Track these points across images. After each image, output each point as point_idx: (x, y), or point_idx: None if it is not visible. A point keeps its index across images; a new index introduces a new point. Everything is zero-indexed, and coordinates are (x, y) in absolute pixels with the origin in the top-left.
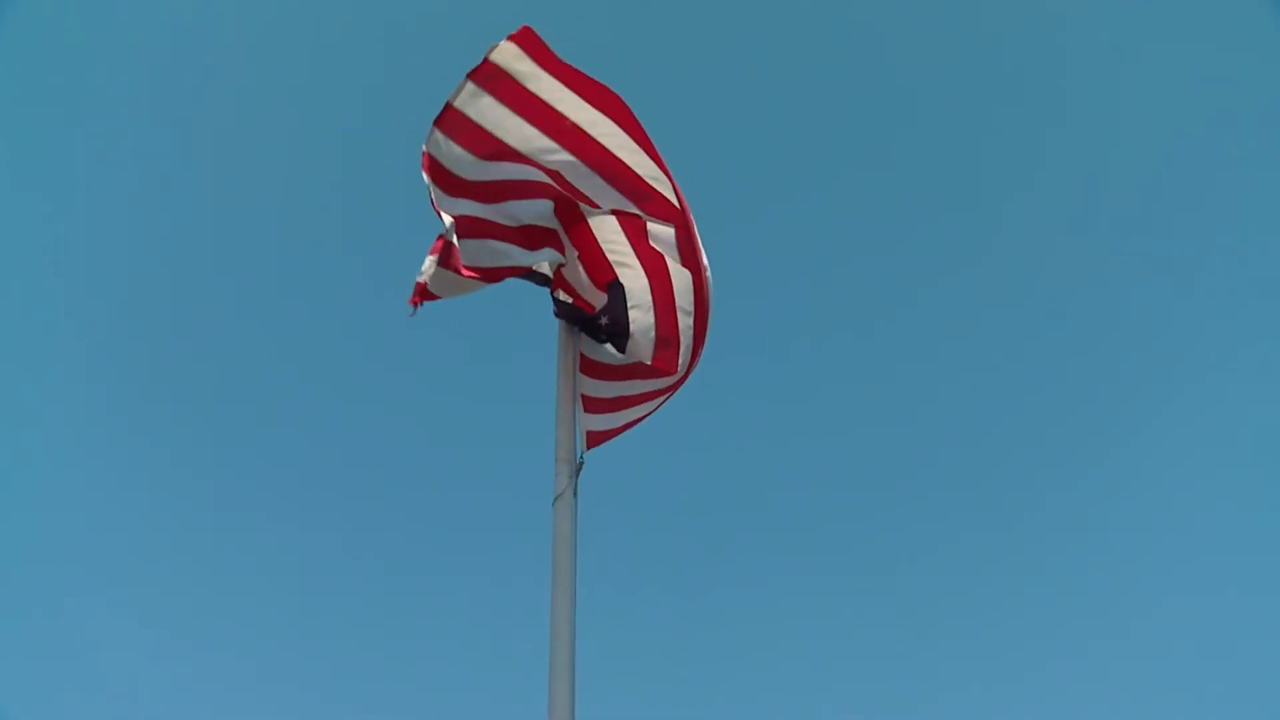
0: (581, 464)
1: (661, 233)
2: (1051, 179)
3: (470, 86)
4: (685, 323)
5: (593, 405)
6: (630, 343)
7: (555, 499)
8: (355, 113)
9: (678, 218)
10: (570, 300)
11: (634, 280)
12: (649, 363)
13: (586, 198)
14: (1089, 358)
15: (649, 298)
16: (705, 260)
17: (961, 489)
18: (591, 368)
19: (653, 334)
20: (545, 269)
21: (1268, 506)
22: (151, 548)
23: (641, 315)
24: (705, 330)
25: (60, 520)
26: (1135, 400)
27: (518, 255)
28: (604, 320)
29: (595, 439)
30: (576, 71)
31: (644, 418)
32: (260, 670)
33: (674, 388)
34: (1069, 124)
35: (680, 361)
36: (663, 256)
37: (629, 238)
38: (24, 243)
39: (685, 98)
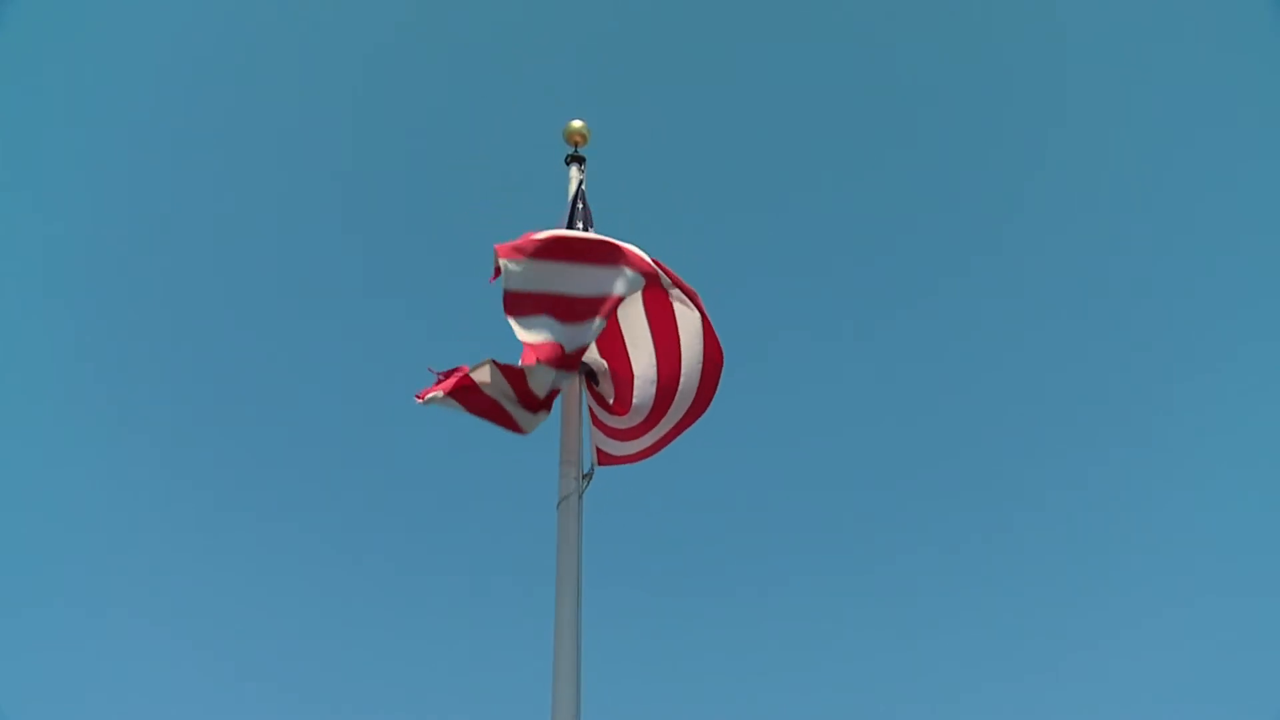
0: (591, 475)
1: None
2: (1051, 180)
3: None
4: (644, 361)
5: (600, 426)
6: (600, 378)
7: (560, 501)
8: (355, 112)
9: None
10: None
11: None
12: (610, 402)
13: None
14: (1089, 358)
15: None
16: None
17: (962, 489)
18: (593, 391)
19: (607, 369)
20: None
21: (1268, 506)
22: (152, 548)
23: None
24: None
25: (60, 520)
26: (1135, 400)
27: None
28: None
29: (605, 459)
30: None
31: (652, 450)
32: (264, 671)
33: (675, 430)
34: (1069, 125)
35: (637, 401)
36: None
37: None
38: (23, 242)
39: (690, 98)
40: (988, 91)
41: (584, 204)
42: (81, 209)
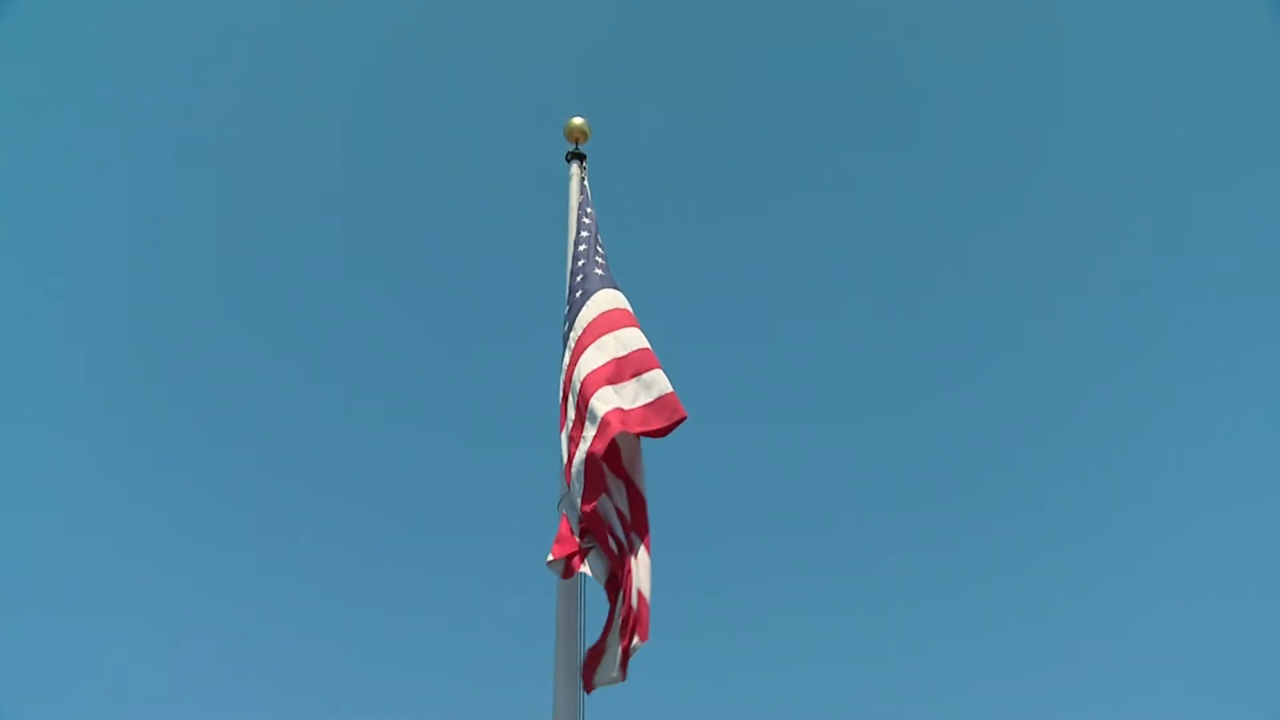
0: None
1: None
2: (1051, 180)
3: None
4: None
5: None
6: None
7: (560, 500)
8: (355, 112)
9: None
10: None
11: None
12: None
13: None
14: (1088, 358)
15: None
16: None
17: (960, 488)
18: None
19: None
20: None
21: (1268, 506)
22: (153, 548)
23: None
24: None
25: (60, 520)
26: (1134, 400)
27: None
28: None
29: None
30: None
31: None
32: (263, 671)
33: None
34: (1069, 125)
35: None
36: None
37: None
38: (22, 241)
39: (691, 96)
40: (987, 91)
41: (589, 209)
42: (82, 208)
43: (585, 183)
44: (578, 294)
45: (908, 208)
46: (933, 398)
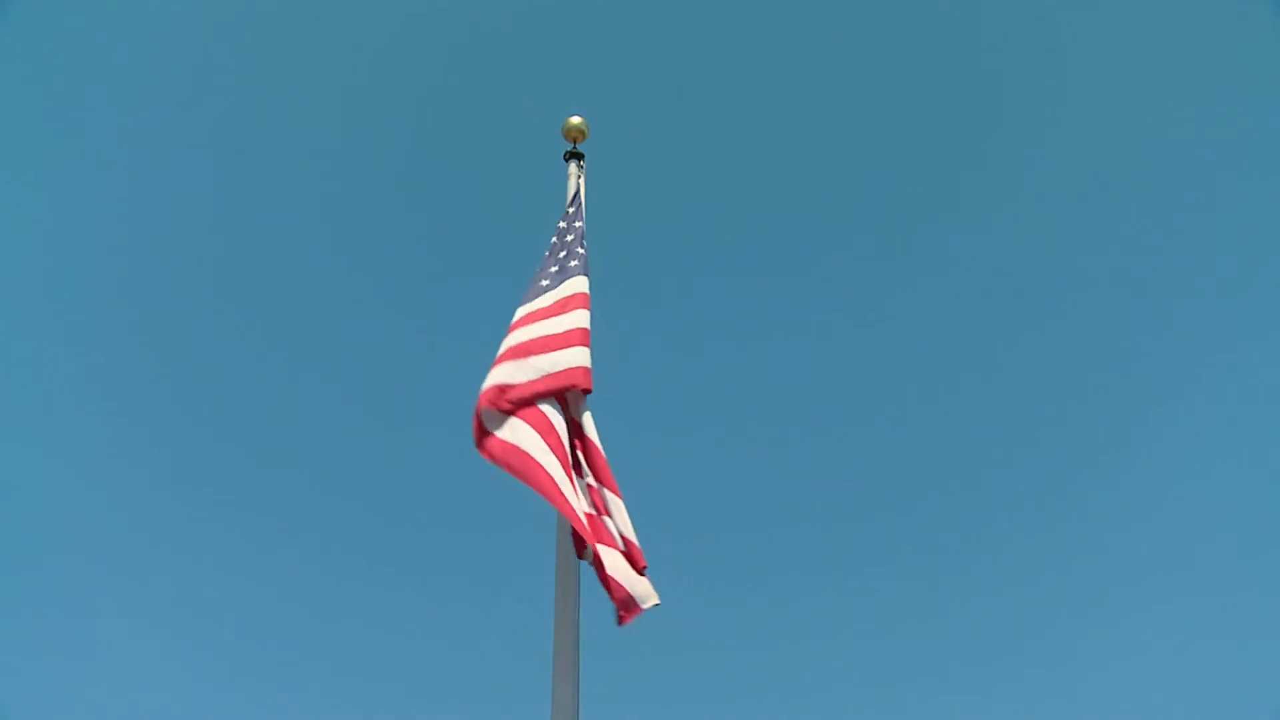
0: None
1: None
2: (1051, 177)
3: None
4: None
5: None
6: None
7: None
8: (354, 111)
9: None
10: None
11: None
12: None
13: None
14: (1088, 358)
15: None
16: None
17: (960, 488)
18: None
19: None
20: None
21: (1267, 506)
22: (152, 548)
23: None
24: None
25: (61, 520)
26: (1133, 400)
27: None
28: None
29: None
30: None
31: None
32: (262, 671)
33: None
34: (1061, 125)
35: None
36: None
37: None
38: (20, 241)
39: (690, 94)
40: (985, 89)
41: (576, 207)
42: (81, 208)
43: (582, 181)
44: (544, 282)
45: (908, 206)
46: (932, 397)
